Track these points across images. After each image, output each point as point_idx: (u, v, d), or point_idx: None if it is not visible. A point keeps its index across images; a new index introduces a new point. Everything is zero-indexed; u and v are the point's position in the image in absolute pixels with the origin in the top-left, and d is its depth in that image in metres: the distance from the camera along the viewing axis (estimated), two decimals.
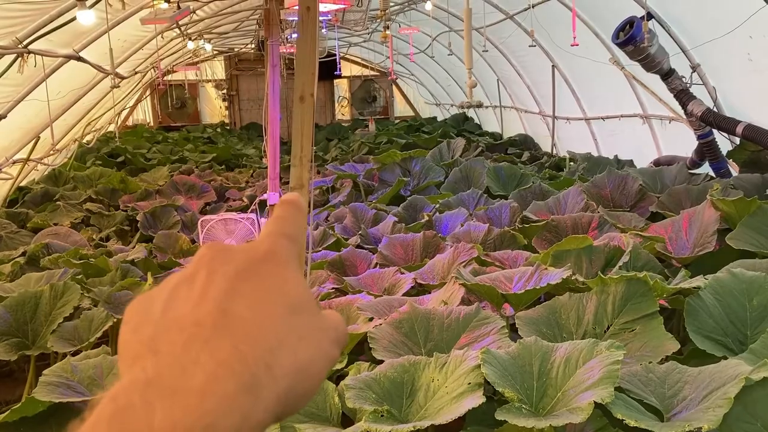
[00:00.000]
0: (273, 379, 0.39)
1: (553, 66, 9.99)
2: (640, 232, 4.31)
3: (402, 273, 4.34)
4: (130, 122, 19.41)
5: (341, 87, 21.81)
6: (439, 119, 18.09)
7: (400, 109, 22.12)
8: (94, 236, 7.30)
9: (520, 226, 5.13)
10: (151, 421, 0.35)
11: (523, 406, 2.12)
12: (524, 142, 12.36)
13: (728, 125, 6.02)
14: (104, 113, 11.97)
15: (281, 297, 0.42)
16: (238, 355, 0.38)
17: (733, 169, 6.51)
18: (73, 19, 5.67)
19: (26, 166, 8.33)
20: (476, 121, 16.46)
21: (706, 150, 6.58)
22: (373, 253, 5.00)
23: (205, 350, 0.38)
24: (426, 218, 5.92)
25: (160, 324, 0.41)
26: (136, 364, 0.39)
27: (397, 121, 20.17)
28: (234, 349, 0.38)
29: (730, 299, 2.86)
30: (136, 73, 11.16)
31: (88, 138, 12.27)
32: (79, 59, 7.15)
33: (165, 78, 16.28)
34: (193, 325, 0.40)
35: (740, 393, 1.88)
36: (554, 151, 10.99)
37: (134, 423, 0.36)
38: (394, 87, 21.81)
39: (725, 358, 2.49)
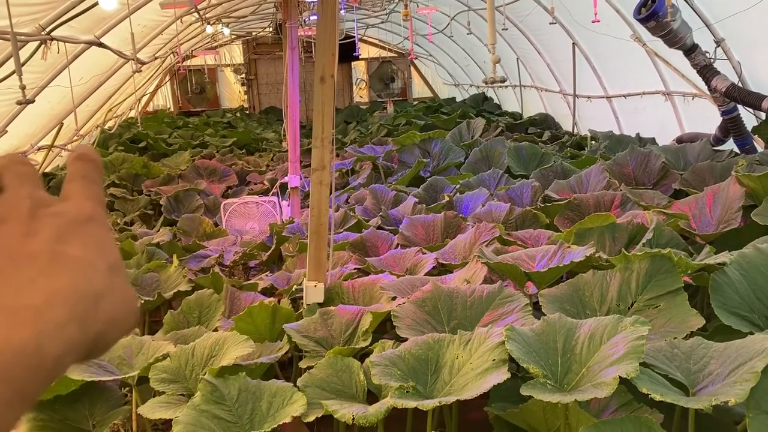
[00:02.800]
0: (95, 319, 0.41)
1: (573, 44, 9.88)
2: (663, 210, 4.28)
3: (423, 253, 4.36)
4: (150, 108, 19.53)
5: (359, 69, 21.74)
6: (457, 100, 17.98)
7: (419, 90, 22.01)
8: (118, 221, 7.41)
9: (541, 205, 5.11)
10: None
11: (548, 381, 2.14)
12: (545, 122, 12.25)
13: (753, 100, 5.92)
14: (125, 99, 12.08)
15: (104, 255, 0.45)
16: (74, 287, 0.41)
17: (759, 145, 6.42)
18: (95, 4, 5.72)
19: (50, 152, 8.45)
20: (496, 101, 16.34)
21: (731, 126, 6.48)
22: (394, 234, 5.01)
23: (42, 276, 0.40)
24: (446, 199, 5.92)
25: None
26: None
27: (415, 102, 20.07)
28: (70, 282, 0.41)
29: (756, 275, 2.84)
30: (156, 58, 11.23)
31: (110, 124, 12.39)
32: (101, 45, 7.21)
33: (184, 63, 16.36)
34: (26, 256, 0.41)
35: (767, 367, 1.87)
36: (575, 130, 10.90)
37: None
38: (412, 68, 21.70)
39: (751, 333, 2.48)
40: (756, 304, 2.74)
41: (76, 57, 6.83)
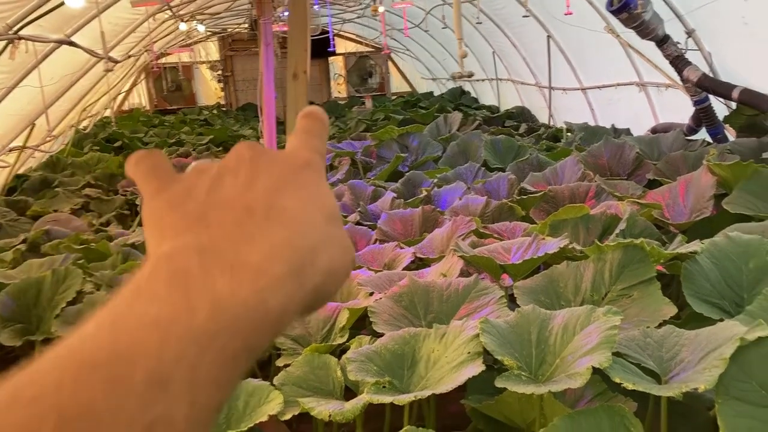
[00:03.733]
0: (314, 271, 0.41)
1: (548, 36, 9.93)
2: (637, 200, 4.32)
3: (401, 248, 4.36)
4: (125, 107, 19.33)
5: (336, 65, 21.68)
6: (435, 94, 18.00)
7: (397, 85, 22.01)
8: (94, 221, 7.31)
9: (517, 197, 5.13)
10: (212, 287, 0.37)
11: (522, 373, 2.15)
12: (521, 115, 12.31)
13: (724, 90, 6.00)
14: (99, 98, 11.93)
15: (320, 204, 0.44)
16: (289, 242, 0.41)
17: (730, 134, 6.50)
18: (62, 3, 5.63)
19: (23, 153, 8.32)
20: (473, 94, 16.38)
21: (703, 116, 6.56)
22: (373, 230, 5.01)
23: (258, 232, 0.40)
24: (424, 193, 5.93)
25: (207, 202, 0.42)
26: (184, 233, 0.40)
27: (393, 97, 20.07)
28: (286, 237, 0.41)
29: (726, 263, 2.88)
30: (129, 56, 11.10)
31: (84, 124, 12.24)
32: (71, 44, 7.11)
33: (159, 61, 16.18)
34: (244, 208, 0.41)
35: (735, 353, 1.90)
36: (551, 122, 10.96)
37: (197, 285, 0.37)
38: (389, 63, 21.67)
39: (722, 320, 2.51)
40: (726, 292, 2.78)
41: (46, 56, 6.73)
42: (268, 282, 0.39)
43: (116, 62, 9.47)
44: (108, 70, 8.02)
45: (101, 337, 0.35)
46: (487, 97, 15.19)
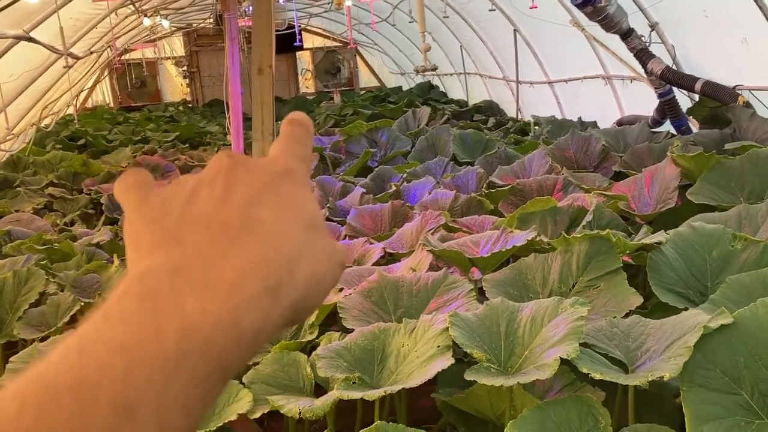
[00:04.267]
0: (292, 286, 0.40)
1: (514, 30, 9.98)
2: (603, 192, 4.37)
3: (371, 243, 4.35)
4: (89, 104, 18.96)
5: (304, 59, 21.55)
6: (404, 89, 18.00)
7: (365, 79, 21.96)
8: (58, 221, 7.17)
9: (486, 191, 5.15)
10: (182, 307, 0.36)
11: (492, 365, 2.16)
12: (489, 108, 12.38)
13: (687, 82, 6.09)
14: (61, 95, 11.68)
15: (300, 213, 0.43)
16: (264, 257, 0.39)
17: (693, 125, 6.61)
18: None
19: None
20: (441, 89, 16.42)
21: (667, 108, 6.66)
22: (342, 225, 4.99)
23: (233, 248, 0.39)
24: (394, 188, 5.93)
25: (182, 218, 0.41)
26: (158, 251, 0.40)
27: (362, 92, 20.02)
28: (261, 252, 0.40)
29: (690, 252, 2.92)
30: (91, 53, 10.89)
31: (46, 122, 11.98)
32: (30, 40, 6.94)
33: (122, 57, 15.90)
34: (218, 223, 0.40)
35: (699, 341, 1.93)
36: (519, 116, 11.04)
37: (166, 306, 0.36)
38: (358, 57, 21.61)
39: (687, 309, 2.55)
40: (691, 281, 2.82)
41: (4, 52, 6.56)
42: (242, 300, 0.38)
43: (77, 58, 9.28)
44: (68, 67, 7.85)
45: (68, 362, 0.34)
46: (456, 92, 15.24)
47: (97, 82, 18.35)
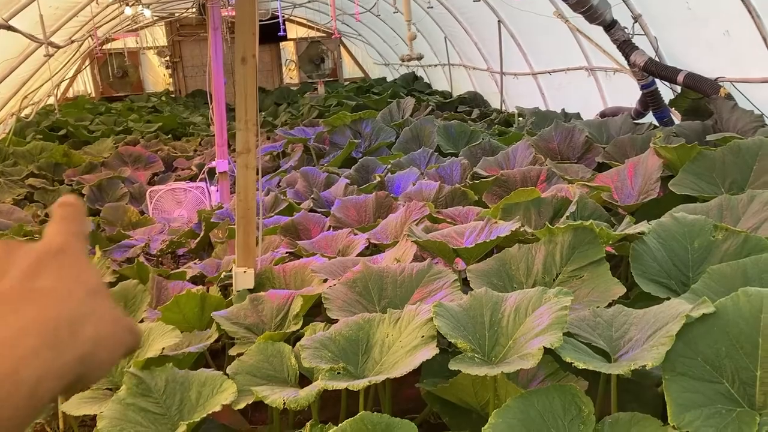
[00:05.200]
0: (74, 342, 0.43)
1: (499, 21, 9.98)
2: (587, 183, 4.39)
3: (355, 234, 4.35)
4: (70, 94, 18.73)
5: (288, 50, 21.42)
6: (389, 79, 17.96)
7: (349, 70, 21.87)
8: (38, 212, 7.09)
9: (470, 182, 5.16)
10: None
11: (476, 355, 2.16)
12: (474, 100, 12.39)
13: (669, 74, 6.13)
14: (42, 85, 11.52)
15: (80, 281, 0.46)
16: (42, 318, 0.42)
17: (676, 117, 6.66)
18: None
19: None
20: (426, 80, 16.40)
21: (650, 99, 6.70)
22: (327, 217, 4.98)
23: (11, 312, 0.42)
24: (378, 179, 5.92)
25: None
26: None
27: (346, 82, 19.94)
28: (39, 314, 0.42)
29: (672, 243, 2.94)
30: (72, 42, 10.74)
31: (26, 111, 11.81)
32: (9, 28, 6.83)
33: (104, 46, 15.71)
34: None
35: (681, 330, 1.94)
36: (503, 107, 11.06)
37: None
38: (342, 48, 21.51)
39: (669, 299, 2.57)
40: (673, 271, 2.85)
41: None
42: (18, 355, 0.40)
43: (58, 47, 9.15)
44: (49, 56, 7.74)
45: None
46: (440, 83, 15.23)
47: (78, 71, 18.13)
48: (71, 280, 0.46)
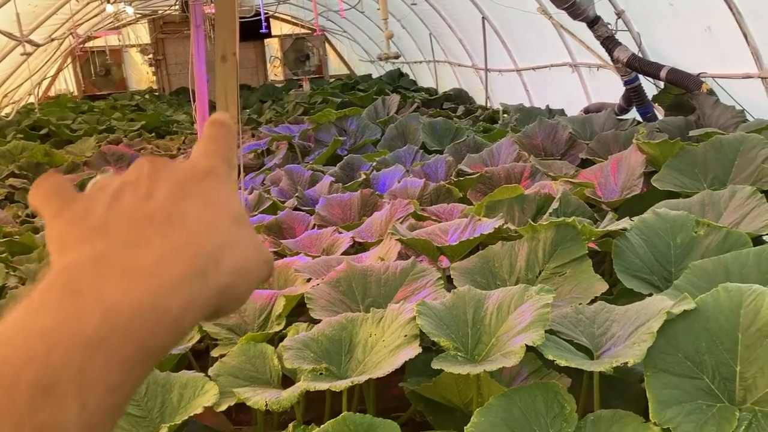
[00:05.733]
0: (218, 272, 0.41)
1: (483, 18, 9.98)
2: (570, 179, 4.40)
3: (340, 232, 4.33)
4: (52, 92, 18.54)
5: (272, 47, 21.32)
6: (374, 76, 17.93)
7: (335, 67, 21.81)
8: (19, 213, 7.01)
9: (455, 179, 5.16)
10: (103, 293, 0.37)
11: (459, 354, 2.15)
12: (459, 97, 12.39)
13: (653, 70, 6.16)
14: (22, 84, 11.39)
15: (225, 208, 0.45)
16: (191, 243, 0.41)
17: (659, 113, 6.69)
18: None
19: None
20: (411, 77, 16.39)
21: (633, 95, 6.72)
22: (311, 215, 4.96)
23: (158, 235, 0.41)
24: (363, 177, 5.90)
25: (107, 215, 0.42)
26: (82, 245, 0.41)
27: (332, 79, 19.89)
28: (187, 240, 0.41)
29: (655, 238, 2.95)
30: (52, 40, 10.62)
31: (6, 111, 11.68)
32: None
33: (85, 44, 15.56)
34: (144, 216, 0.42)
35: (662, 327, 1.94)
36: (488, 104, 11.06)
37: (87, 293, 0.37)
38: (327, 45, 21.45)
39: (651, 295, 2.58)
40: (656, 267, 2.86)
41: None
42: (166, 283, 0.39)
43: (37, 46, 9.05)
44: (27, 54, 7.65)
45: None
46: (426, 80, 15.22)
47: (59, 70, 17.95)
48: (217, 206, 0.44)
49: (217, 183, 0.46)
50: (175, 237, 0.41)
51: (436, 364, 2.06)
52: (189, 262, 0.40)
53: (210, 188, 0.45)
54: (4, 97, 10.70)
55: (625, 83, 6.68)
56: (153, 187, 0.43)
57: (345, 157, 6.78)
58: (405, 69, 16.62)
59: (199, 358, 3.49)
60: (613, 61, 6.58)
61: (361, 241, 4.18)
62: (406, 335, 2.24)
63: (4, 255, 4.48)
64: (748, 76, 5.53)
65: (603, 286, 2.66)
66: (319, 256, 3.84)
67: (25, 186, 7.78)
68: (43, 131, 11.20)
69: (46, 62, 13.45)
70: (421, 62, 14.70)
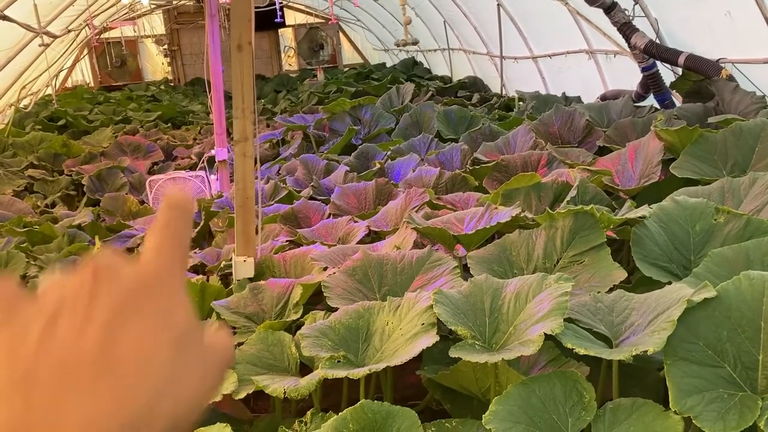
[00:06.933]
0: (152, 420, 0.40)
1: (498, 5, 9.90)
2: (587, 167, 4.36)
3: (355, 222, 4.33)
4: (69, 84, 18.67)
5: (287, 37, 21.31)
6: (388, 65, 17.86)
7: (349, 56, 21.77)
8: (39, 203, 7.09)
9: (470, 168, 5.14)
10: None
11: (476, 342, 2.15)
12: (474, 84, 12.31)
13: (670, 56, 6.08)
14: (39, 75, 11.48)
15: (168, 330, 0.42)
16: (119, 400, 0.39)
17: (677, 99, 6.61)
18: None
19: None
20: (425, 65, 16.31)
21: (651, 82, 6.65)
22: (326, 204, 4.96)
23: (87, 388, 0.39)
24: (378, 166, 5.89)
25: (36, 356, 0.40)
26: (3, 402, 0.38)
27: (345, 69, 19.84)
28: (116, 395, 0.39)
29: (674, 226, 2.92)
30: (69, 31, 10.68)
31: (25, 102, 11.78)
32: (5, 18, 6.79)
33: (101, 36, 15.64)
34: (76, 360, 0.39)
35: (683, 315, 1.93)
36: (504, 92, 10.99)
37: None
38: (341, 34, 21.40)
39: (670, 283, 2.56)
40: (674, 255, 2.83)
41: None
42: None
43: (54, 37, 9.10)
44: (45, 46, 7.70)
45: None
46: (440, 68, 15.14)
47: (76, 61, 18.06)
48: (159, 327, 0.42)
49: (166, 291, 0.43)
50: (103, 395, 0.39)
51: (453, 353, 2.06)
52: (119, 423, 0.39)
53: (155, 304, 0.42)
54: (22, 89, 10.79)
55: (643, 70, 6.60)
56: (91, 309, 0.41)
57: (360, 147, 6.77)
58: (419, 57, 16.54)
59: None
60: (630, 47, 6.50)
61: (377, 230, 4.18)
62: (423, 323, 2.23)
63: (24, 245, 4.53)
64: None
65: (622, 275, 2.64)
66: (335, 245, 3.85)
67: (44, 176, 7.86)
68: (61, 122, 11.29)
69: (63, 54, 13.54)
70: (435, 50, 14.62)
